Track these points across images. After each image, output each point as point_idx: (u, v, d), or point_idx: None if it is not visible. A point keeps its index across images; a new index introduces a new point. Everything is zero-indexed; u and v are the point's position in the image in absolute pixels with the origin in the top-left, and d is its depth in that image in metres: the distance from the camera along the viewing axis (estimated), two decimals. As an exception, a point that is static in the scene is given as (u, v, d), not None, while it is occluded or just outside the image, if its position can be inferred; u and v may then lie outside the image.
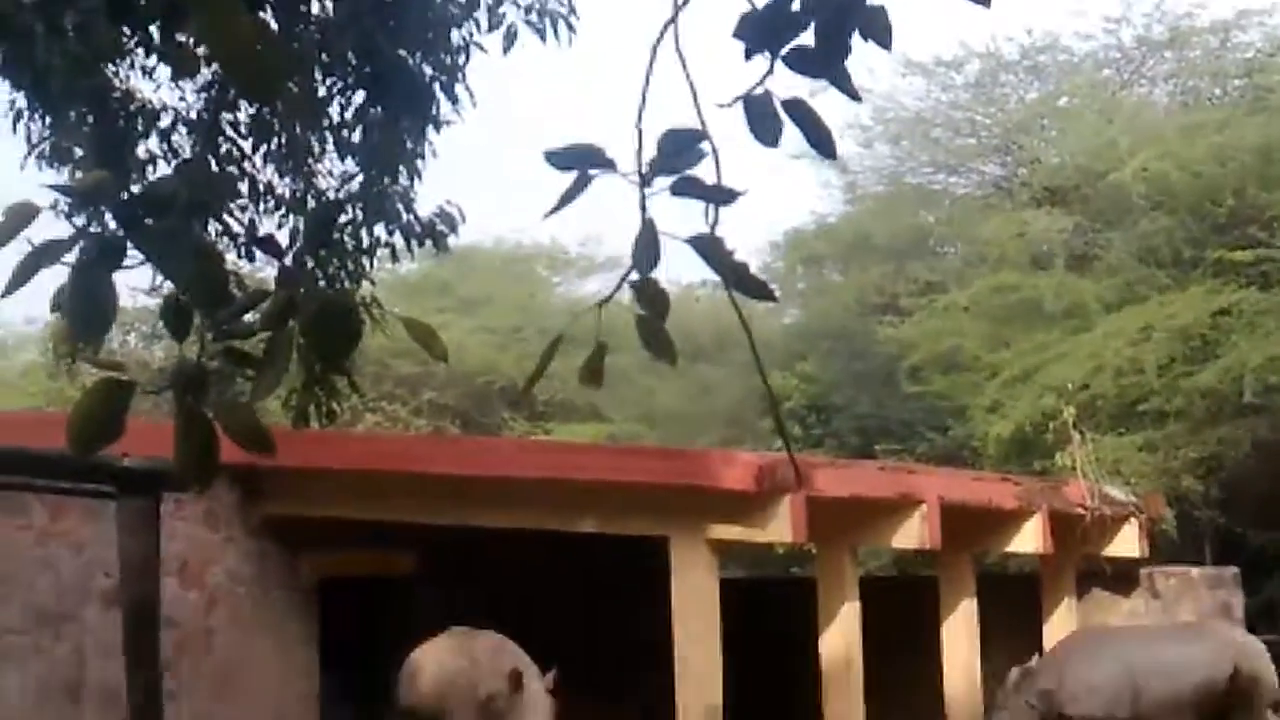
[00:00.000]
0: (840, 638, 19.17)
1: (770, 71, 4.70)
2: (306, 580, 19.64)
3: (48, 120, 10.38)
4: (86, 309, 4.15)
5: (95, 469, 9.72)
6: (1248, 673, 18.39)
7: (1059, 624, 23.44)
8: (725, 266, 4.67)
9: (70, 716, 16.11)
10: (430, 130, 11.14)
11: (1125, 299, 26.44)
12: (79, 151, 10.48)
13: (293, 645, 19.37)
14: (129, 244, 4.13)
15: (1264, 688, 18.67)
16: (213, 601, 18.25)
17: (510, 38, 11.36)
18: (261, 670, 18.79)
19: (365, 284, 10.88)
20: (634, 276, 4.68)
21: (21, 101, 10.50)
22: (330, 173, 11.51)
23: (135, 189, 4.47)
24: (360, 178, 11.09)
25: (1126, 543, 23.22)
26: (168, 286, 4.59)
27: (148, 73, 10.68)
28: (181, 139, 10.86)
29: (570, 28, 11.52)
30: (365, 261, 10.56)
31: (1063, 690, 17.91)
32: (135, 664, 9.65)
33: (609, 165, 4.58)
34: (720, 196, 4.62)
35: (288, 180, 11.32)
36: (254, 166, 11.18)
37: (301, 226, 10.80)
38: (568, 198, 4.61)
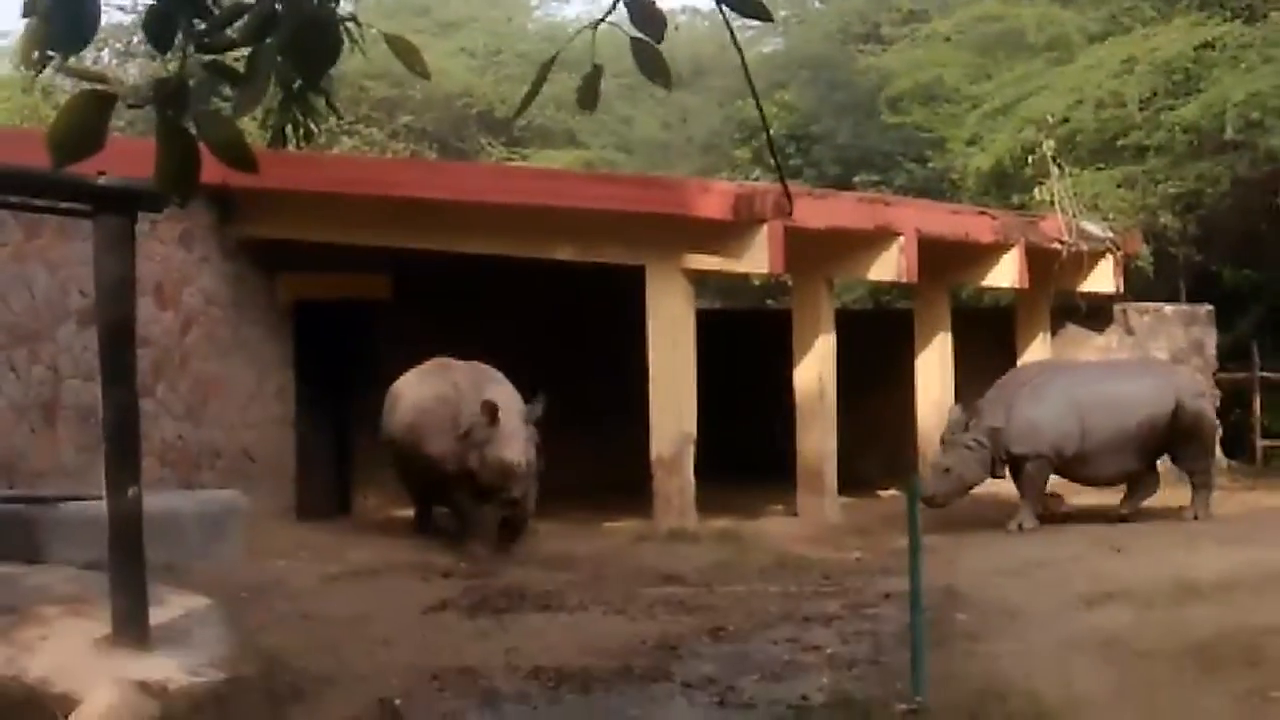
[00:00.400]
0: (814, 369, 19.27)
1: None
2: (282, 303, 19.61)
3: None
4: (68, 18, 4.06)
5: (72, 187, 9.62)
6: (1191, 409, 18.45)
7: (1033, 358, 23.56)
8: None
9: (46, 435, 16.16)
10: None
11: (1109, 30, 26.15)
12: None
13: (268, 368, 19.41)
14: (108, -47, 4.02)
15: (1206, 424, 18.79)
16: (188, 322, 18.23)
17: None
18: (237, 392, 18.85)
19: (343, 4, 10.67)
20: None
21: None
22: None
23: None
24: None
25: (1102, 278, 23.28)
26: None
27: None
28: None
29: None
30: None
31: (1010, 429, 17.92)
32: (111, 383, 9.64)
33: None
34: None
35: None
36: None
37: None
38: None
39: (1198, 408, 18.65)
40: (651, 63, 4.71)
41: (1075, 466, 18.41)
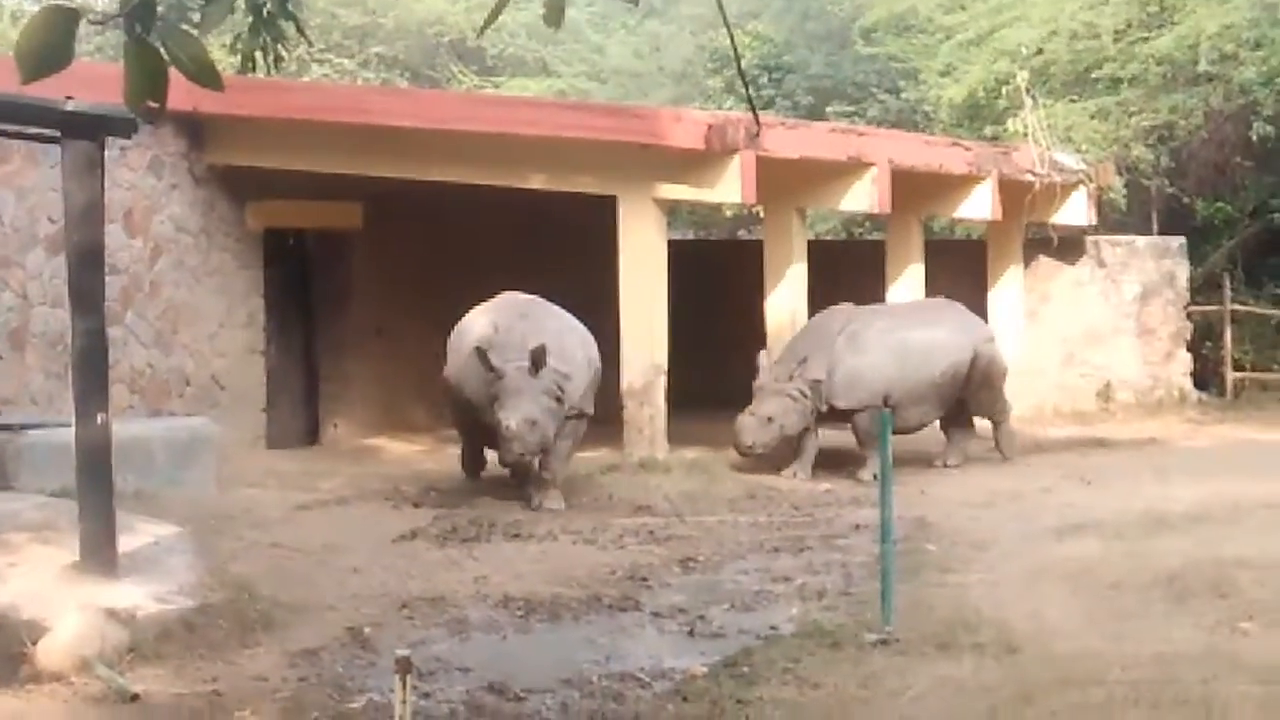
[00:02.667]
0: (786, 300, 19.27)
1: None
2: (252, 230, 19.51)
3: None
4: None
5: (39, 112, 9.54)
6: (985, 356, 18.22)
7: (1005, 290, 23.62)
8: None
9: (14, 362, 16.09)
10: None
11: (1085, -38, 26.09)
12: None
13: (238, 296, 19.32)
14: None
15: (998, 370, 18.50)
16: (158, 250, 18.13)
17: None
18: (206, 319, 18.77)
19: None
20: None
21: None
22: None
23: None
24: None
25: (1075, 210, 23.27)
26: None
27: None
28: None
29: None
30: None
31: (834, 382, 17.49)
32: (80, 310, 9.58)
33: None
34: None
35: None
36: None
37: None
38: None
39: (991, 354, 18.39)
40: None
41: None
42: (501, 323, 15.08)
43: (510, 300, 15.78)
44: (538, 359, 14.29)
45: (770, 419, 17.22)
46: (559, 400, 14.53)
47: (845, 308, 18.34)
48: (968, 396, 18.19)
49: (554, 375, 14.47)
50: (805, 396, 17.37)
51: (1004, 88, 24.21)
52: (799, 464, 17.36)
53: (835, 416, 17.65)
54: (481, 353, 14.47)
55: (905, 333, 17.96)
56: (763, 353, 17.96)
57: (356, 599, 10.40)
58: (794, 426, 17.35)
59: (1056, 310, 24.00)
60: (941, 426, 18.43)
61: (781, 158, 17.94)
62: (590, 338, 15.75)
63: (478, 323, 15.53)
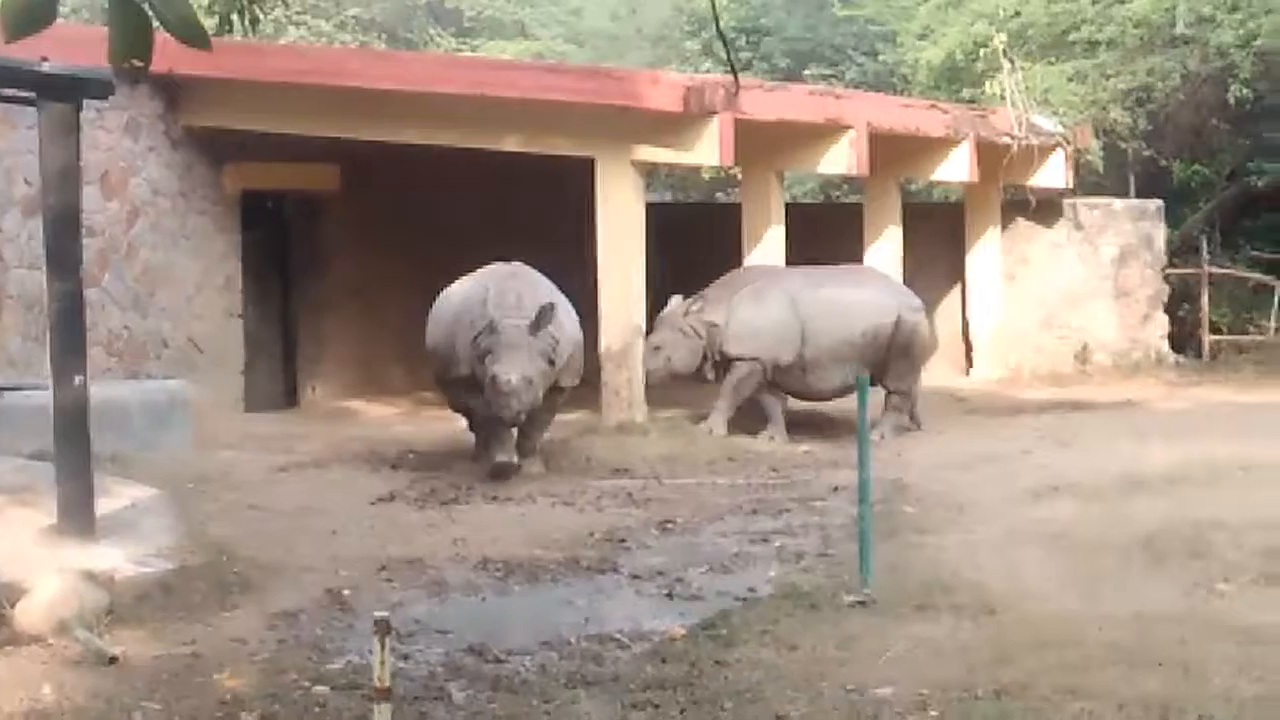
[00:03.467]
0: (764, 262, 19.25)
1: None
2: (229, 193, 19.47)
3: None
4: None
5: (15, 73, 9.49)
6: (910, 323, 17.89)
7: (983, 253, 23.66)
8: None
9: (-9, 325, 16.06)
10: None
11: (1063, -77, 26.06)
12: None
13: (215, 258, 19.28)
14: None
15: (919, 341, 18.15)
16: (134, 212, 18.08)
17: None
18: (184, 282, 18.72)
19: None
20: None
21: None
22: None
23: None
24: None
25: (1053, 173, 23.29)
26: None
27: None
28: None
29: None
30: None
31: (727, 329, 17.34)
32: (56, 272, 9.55)
33: None
34: None
35: None
36: None
37: None
38: None
39: (915, 322, 18.03)
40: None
41: (795, 375, 17.57)
42: (493, 284, 14.58)
43: (499, 265, 15.24)
44: (544, 316, 13.99)
45: (657, 348, 17.39)
46: (551, 363, 14.21)
47: (770, 266, 18.28)
48: (885, 361, 17.78)
49: (549, 338, 14.15)
50: (698, 336, 17.35)
51: (981, 50, 24.18)
52: (772, 427, 17.34)
53: (725, 365, 17.44)
54: (481, 303, 14.17)
55: (821, 290, 17.67)
56: (675, 297, 17.81)
57: (335, 561, 10.40)
58: (681, 362, 17.42)
59: (1034, 273, 24.05)
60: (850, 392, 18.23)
61: (759, 120, 17.93)
62: (572, 310, 15.33)
63: (464, 286, 15.20)
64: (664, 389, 17.90)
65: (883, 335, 17.65)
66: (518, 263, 15.25)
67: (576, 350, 15.02)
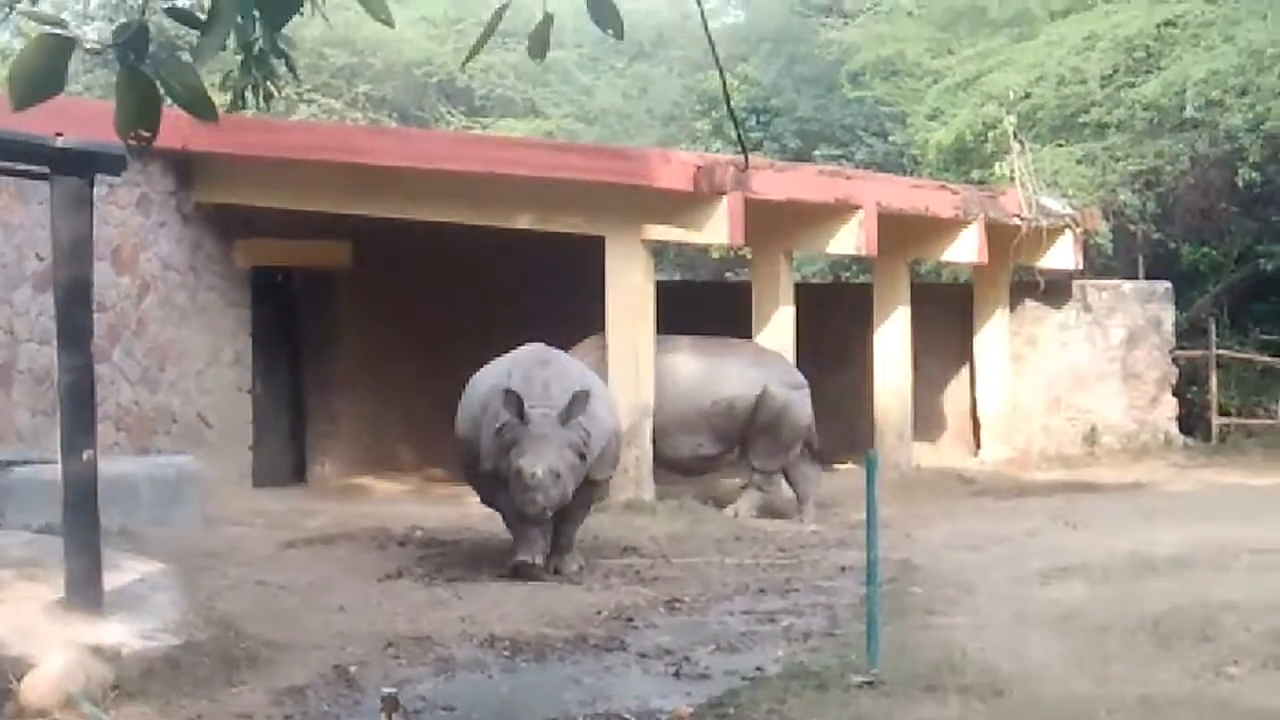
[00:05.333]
0: (773, 341, 19.27)
1: None
2: (240, 269, 19.54)
3: None
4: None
5: (29, 148, 9.54)
6: (779, 400, 17.75)
7: (991, 334, 23.66)
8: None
9: (1, 398, 16.08)
10: None
11: (1071, 7, 26.17)
12: None
13: (225, 334, 19.33)
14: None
15: (792, 420, 17.91)
16: (145, 287, 18.14)
17: None
18: (193, 357, 18.77)
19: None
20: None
21: None
22: None
23: None
24: None
25: (1061, 255, 23.33)
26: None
27: None
28: None
29: None
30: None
31: None
32: (67, 347, 9.57)
33: None
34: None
35: None
36: None
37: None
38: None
39: (787, 400, 17.84)
40: (604, 12, 4.70)
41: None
42: (518, 370, 13.47)
43: (529, 350, 14.10)
44: (577, 404, 12.88)
45: None
46: (582, 456, 13.05)
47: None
48: (748, 436, 17.76)
49: (580, 429, 13.03)
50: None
51: (991, 132, 24.30)
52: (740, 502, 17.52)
53: None
54: (510, 394, 12.87)
55: (672, 357, 17.66)
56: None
57: (342, 637, 10.37)
58: None
59: (1042, 354, 24.05)
60: (707, 464, 18.27)
61: (769, 199, 18.00)
62: (612, 398, 14.74)
63: (491, 372, 14.05)
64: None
65: (740, 409, 17.65)
66: (548, 347, 14.28)
67: (612, 440, 13.89)
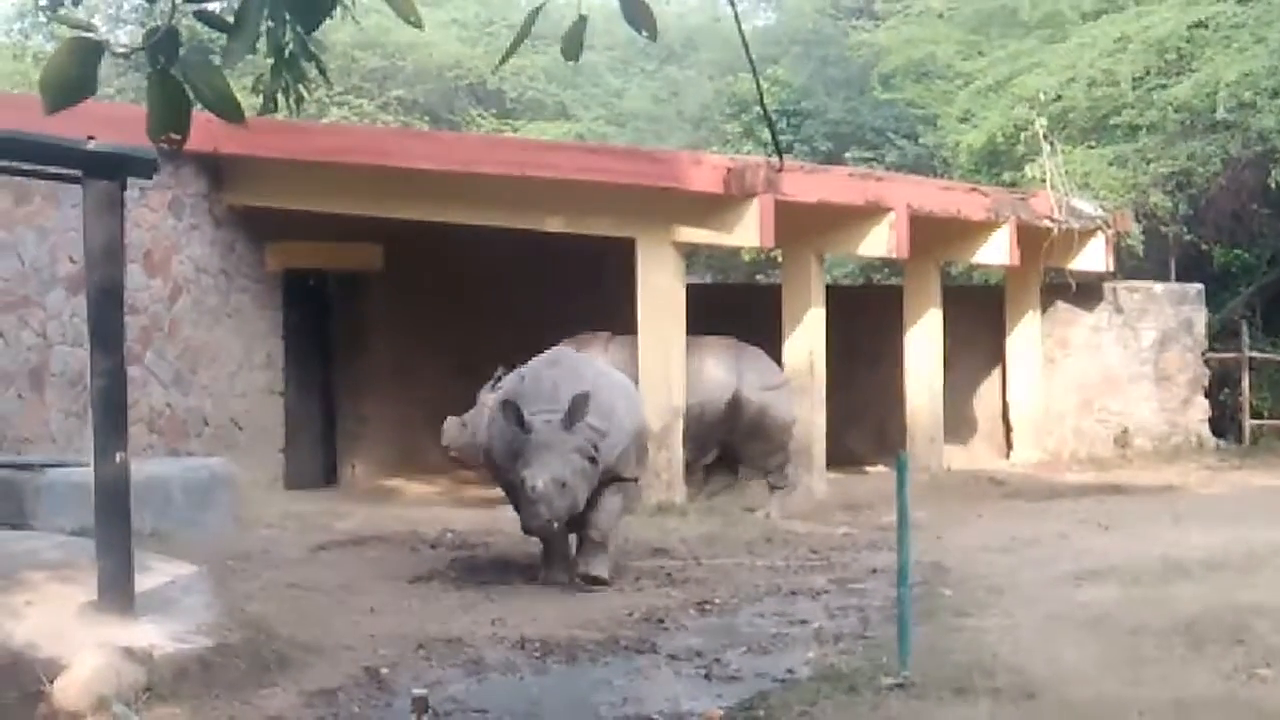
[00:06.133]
0: (804, 344, 19.26)
1: None
2: (271, 271, 19.59)
3: None
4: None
5: (61, 151, 9.58)
6: (754, 404, 17.64)
7: (1022, 336, 23.61)
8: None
9: (34, 401, 16.15)
10: None
11: (1102, 8, 26.12)
12: None
13: (257, 336, 19.38)
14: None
15: (773, 422, 17.77)
16: (177, 290, 18.20)
17: None
18: (225, 360, 18.82)
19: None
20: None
21: None
22: None
23: None
24: None
25: (1093, 257, 23.28)
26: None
27: None
28: None
29: None
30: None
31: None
32: (99, 349, 9.60)
33: None
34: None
35: None
36: None
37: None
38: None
39: (762, 403, 17.69)
40: (637, 12, 4.70)
41: None
42: (529, 373, 13.19)
43: (559, 354, 13.79)
44: (577, 408, 12.34)
45: (464, 424, 17.29)
46: (593, 460, 12.51)
47: (589, 335, 18.20)
48: (734, 443, 17.75)
49: (589, 432, 12.49)
50: None
51: (1022, 134, 24.26)
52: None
53: None
54: (508, 404, 12.53)
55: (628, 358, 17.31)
56: (501, 368, 17.10)
57: (373, 639, 10.39)
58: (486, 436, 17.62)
59: (1074, 356, 24.00)
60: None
61: (800, 202, 17.98)
62: (635, 392, 14.26)
63: (511, 376, 13.93)
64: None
65: (711, 413, 17.56)
66: (563, 347, 14.31)
67: (636, 438, 13.37)
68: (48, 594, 9.59)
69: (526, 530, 12.57)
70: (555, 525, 12.37)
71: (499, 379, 17.29)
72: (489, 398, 17.18)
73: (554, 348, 14.04)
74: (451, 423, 17.42)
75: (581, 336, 17.74)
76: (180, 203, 18.32)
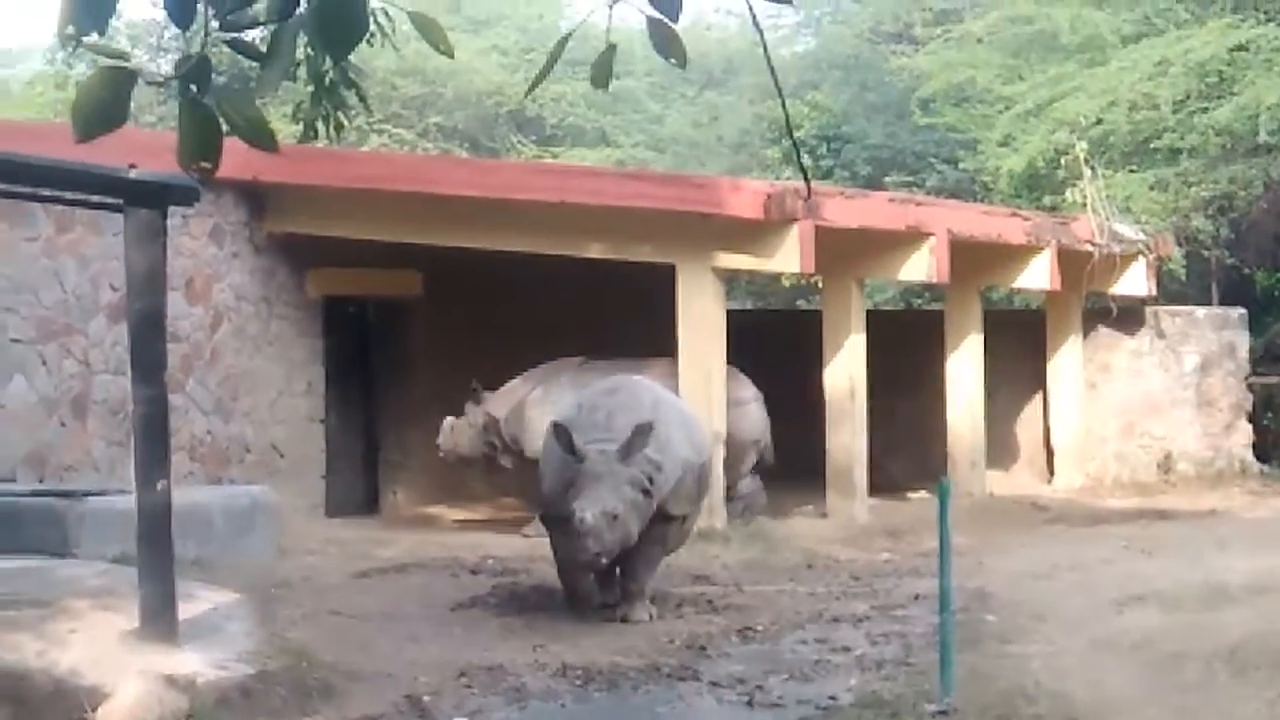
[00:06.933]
0: (845, 370, 19.23)
1: None
2: (312, 298, 19.64)
3: None
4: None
5: (103, 180, 9.63)
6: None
7: (1064, 361, 23.53)
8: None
9: (76, 429, 16.19)
10: None
11: (1142, 32, 26.08)
12: None
13: (298, 363, 19.43)
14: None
15: (735, 437, 17.73)
16: (218, 318, 18.26)
17: None
18: (266, 387, 18.87)
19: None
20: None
21: None
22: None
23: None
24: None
25: (1134, 281, 23.20)
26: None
27: None
28: None
29: None
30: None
31: (506, 424, 18.19)
32: (141, 377, 9.63)
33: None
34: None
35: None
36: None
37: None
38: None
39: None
40: (667, 41, 4.71)
41: None
42: (586, 400, 12.92)
43: (609, 379, 13.66)
44: (639, 436, 11.93)
45: (452, 429, 18.70)
46: (646, 493, 12.06)
47: (571, 361, 18.43)
48: None
49: (644, 464, 12.05)
50: (482, 426, 18.42)
51: (1063, 158, 24.20)
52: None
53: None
54: (560, 430, 12.14)
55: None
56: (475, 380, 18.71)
57: (415, 667, 10.39)
58: (467, 446, 18.70)
59: (1116, 380, 23.91)
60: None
61: (840, 227, 17.97)
62: (698, 424, 13.79)
63: (566, 403, 13.72)
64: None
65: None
66: (626, 375, 13.83)
67: (690, 472, 12.82)
68: (91, 622, 9.61)
69: (571, 564, 12.12)
70: (604, 561, 11.95)
71: (476, 391, 17.75)
72: (476, 411, 17.63)
73: (614, 377, 13.74)
74: (448, 424, 18.39)
75: (552, 364, 18.43)
76: (221, 230, 18.39)
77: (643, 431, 11.97)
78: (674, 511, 12.70)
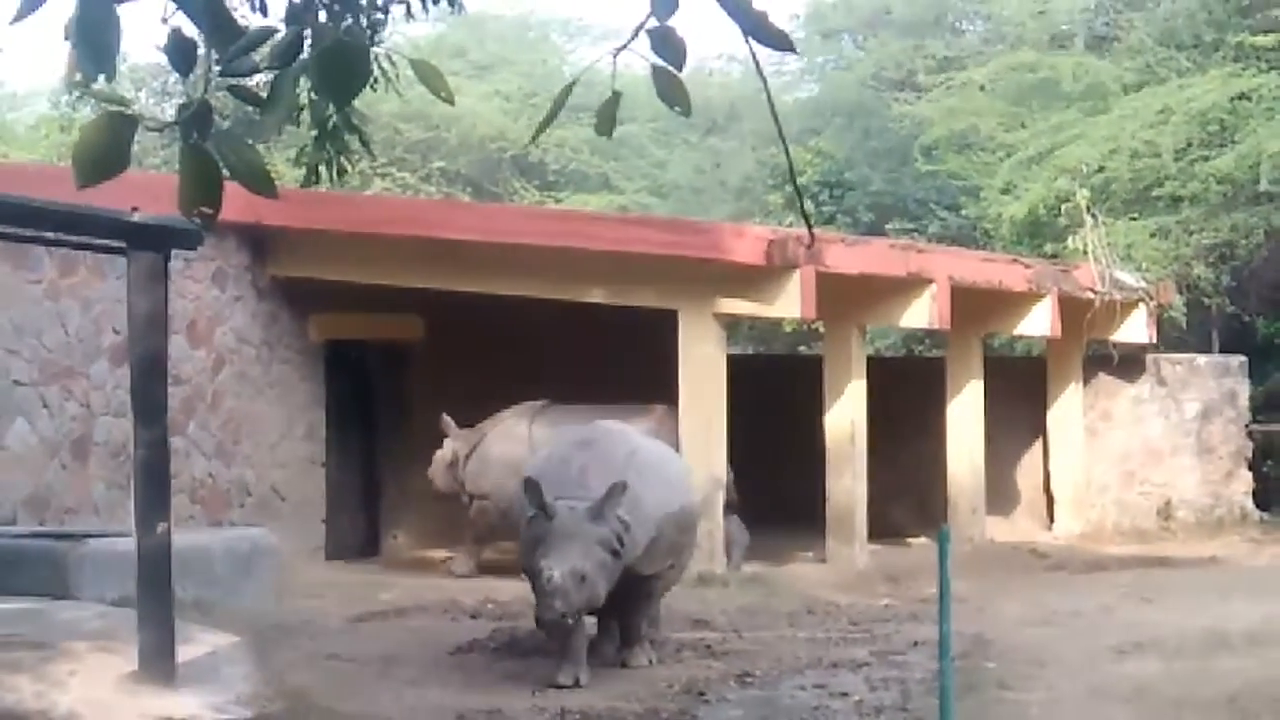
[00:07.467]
0: (846, 415, 19.24)
1: None
2: (314, 342, 19.66)
3: None
4: (92, 39, 4.09)
5: (106, 223, 9.66)
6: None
7: (1064, 408, 23.55)
8: (744, 13, 4.56)
9: (77, 471, 16.19)
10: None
11: (1144, 81, 26.20)
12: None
13: (299, 407, 19.45)
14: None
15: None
16: (220, 361, 18.28)
17: None
18: (267, 430, 18.88)
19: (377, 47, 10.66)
20: (653, 24, 4.58)
21: None
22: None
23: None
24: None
25: (1135, 328, 23.22)
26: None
27: None
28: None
29: None
30: (379, 17, 10.40)
31: (468, 464, 18.48)
32: (142, 420, 9.65)
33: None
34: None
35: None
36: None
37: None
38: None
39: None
40: (671, 89, 4.72)
41: None
42: (557, 451, 12.67)
43: (583, 429, 13.20)
44: (610, 499, 11.50)
45: (432, 463, 18.91)
46: (615, 554, 11.65)
47: (537, 404, 18.58)
48: None
49: (615, 523, 11.62)
50: (448, 464, 18.69)
51: (1064, 205, 24.26)
52: (457, 559, 18.61)
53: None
54: (531, 485, 11.62)
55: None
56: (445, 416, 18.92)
57: (414, 712, 10.39)
58: (440, 481, 18.84)
59: (1116, 428, 23.92)
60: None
61: (842, 273, 18.00)
62: (677, 469, 13.40)
63: (540, 454, 13.42)
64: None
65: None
66: (605, 424, 13.30)
67: (667, 529, 12.39)
68: (90, 664, 9.61)
69: (539, 622, 11.63)
70: (570, 621, 11.46)
71: (446, 423, 17.91)
72: (447, 445, 17.78)
73: (590, 425, 13.25)
74: (435, 457, 18.72)
75: (516, 406, 18.67)
76: (224, 274, 18.42)
77: (615, 492, 11.56)
78: (645, 571, 12.27)
